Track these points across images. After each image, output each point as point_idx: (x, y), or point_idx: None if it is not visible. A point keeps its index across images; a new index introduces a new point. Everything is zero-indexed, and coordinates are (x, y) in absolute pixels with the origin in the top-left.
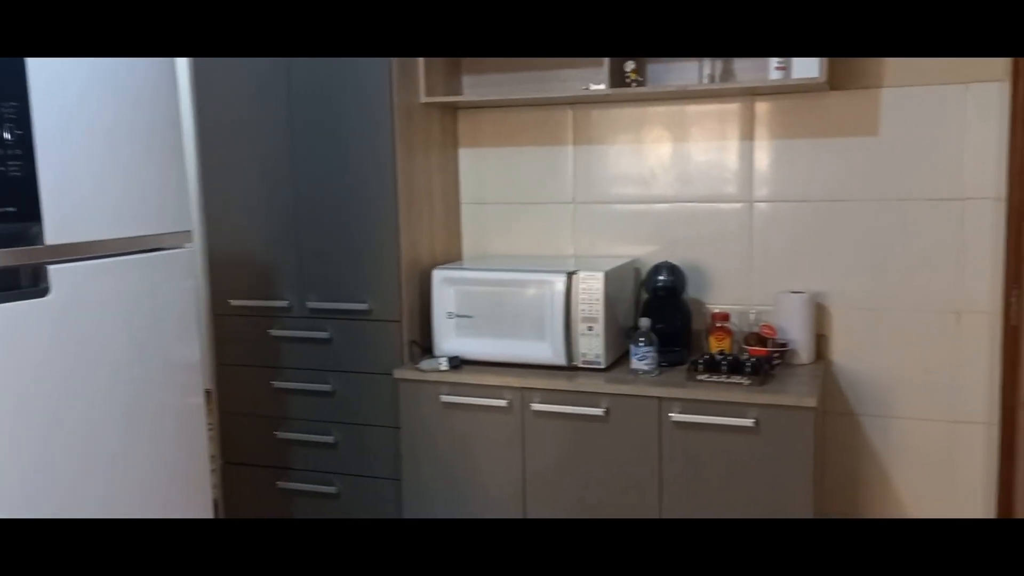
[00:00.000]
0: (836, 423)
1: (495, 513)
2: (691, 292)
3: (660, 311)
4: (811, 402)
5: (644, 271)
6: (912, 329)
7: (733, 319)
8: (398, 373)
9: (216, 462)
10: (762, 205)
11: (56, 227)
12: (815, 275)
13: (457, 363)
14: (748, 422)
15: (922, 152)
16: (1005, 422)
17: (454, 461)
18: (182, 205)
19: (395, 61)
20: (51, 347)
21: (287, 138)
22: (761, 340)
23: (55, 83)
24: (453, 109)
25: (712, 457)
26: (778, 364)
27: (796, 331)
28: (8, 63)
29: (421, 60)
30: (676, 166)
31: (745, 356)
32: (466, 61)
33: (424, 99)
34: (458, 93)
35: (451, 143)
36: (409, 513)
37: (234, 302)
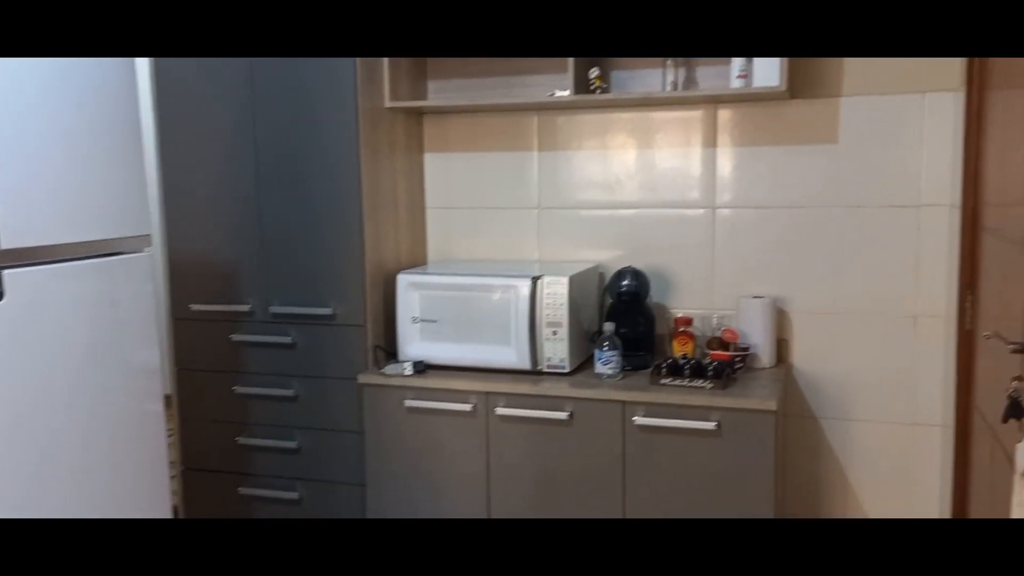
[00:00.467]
0: (796, 426)
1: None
2: (655, 297)
3: (624, 316)
4: (772, 405)
5: (608, 276)
6: (870, 333)
7: (696, 323)
8: (362, 378)
9: (177, 468)
10: (724, 211)
11: (11, 231)
12: (776, 280)
13: (422, 368)
14: (710, 425)
15: (880, 159)
16: (959, 424)
17: (419, 466)
18: (141, 208)
19: (360, 65)
20: (6, 353)
21: (249, 141)
22: (723, 344)
23: (10, 83)
24: (418, 114)
25: (675, 460)
26: (740, 368)
27: (757, 335)
28: None
29: (386, 64)
30: (640, 172)
31: (707, 360)
32: (431, 66)
33: (389, 103)
34: (423, 98)
35: (416, 148)
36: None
37: (195, 307)
